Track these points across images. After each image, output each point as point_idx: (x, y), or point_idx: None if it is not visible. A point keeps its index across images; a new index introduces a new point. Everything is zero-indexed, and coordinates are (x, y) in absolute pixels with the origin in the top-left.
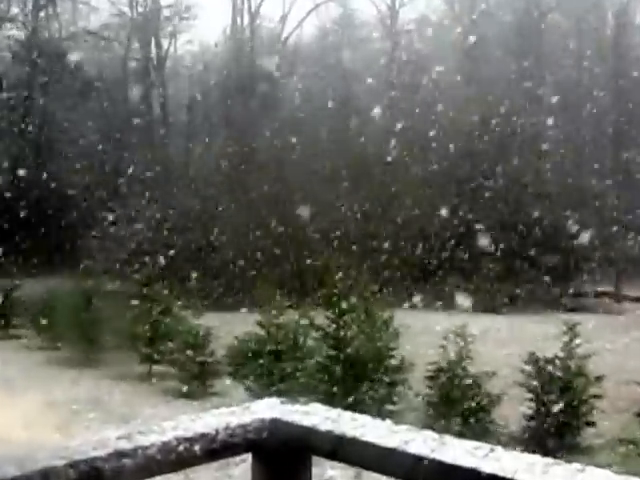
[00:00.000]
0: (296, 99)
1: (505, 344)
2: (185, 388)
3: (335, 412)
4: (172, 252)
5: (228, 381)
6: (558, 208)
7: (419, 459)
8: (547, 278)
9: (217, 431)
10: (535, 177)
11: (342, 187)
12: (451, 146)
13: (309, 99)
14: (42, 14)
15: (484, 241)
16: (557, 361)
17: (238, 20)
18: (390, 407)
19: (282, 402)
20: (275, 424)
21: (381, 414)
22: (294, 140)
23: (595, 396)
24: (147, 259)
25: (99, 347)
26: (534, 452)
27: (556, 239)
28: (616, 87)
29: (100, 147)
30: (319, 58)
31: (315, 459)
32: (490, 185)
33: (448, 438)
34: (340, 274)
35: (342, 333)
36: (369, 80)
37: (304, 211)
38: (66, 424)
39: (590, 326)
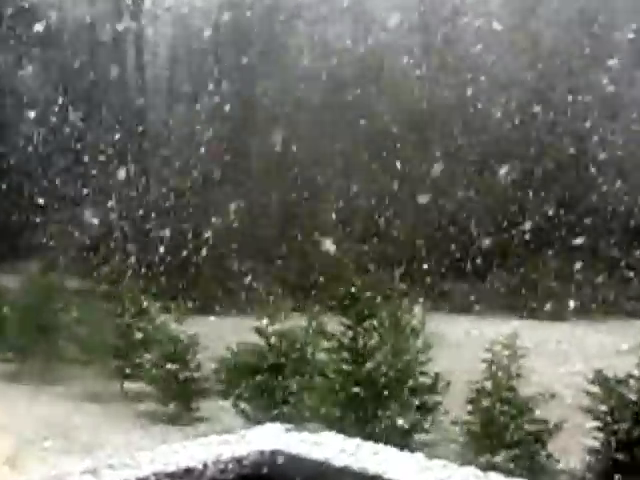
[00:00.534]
0: (303, 46)
1: (566, 359)
2: (165, 411)
3: (353, 443)
4: (149, 241)
5: (218, 402)
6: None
7: None
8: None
9: (205, 465)
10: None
11: (361, 158)
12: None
13: (320, 47)
14: None
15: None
16: (631, 381)
17: None
18: (421, 437)
19: (286, 430)
20: (277, 457)
21: (410, 446)
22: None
23: None
24: (118, 249)
25: (59, 359)
26: None
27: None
28: None
29: (59, 107)
30: None
31: None
32: (550, 156)
33: (494, 476)
34: (358, 269)
35: (361, 343)
36: (394, 21)
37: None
38: (16, 455)
39: None
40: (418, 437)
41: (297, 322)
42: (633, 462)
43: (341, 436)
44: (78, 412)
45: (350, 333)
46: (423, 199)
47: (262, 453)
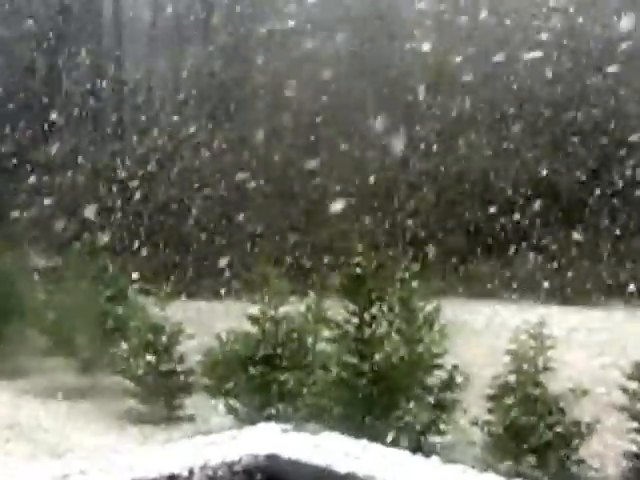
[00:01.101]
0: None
1: (600, 350)
2: (144, 408)
3: (359, 445)
4: (128, 213)
5: (205, 399)
6: None
7: None
8: None
9: (191, 471)
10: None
11: (371, 120)
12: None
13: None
14: None
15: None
16: None
17: None
18: (436, 439)
19: (283, 430)
20: (273, 462)
21: (424, 448)
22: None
23: None
24: (92, 222)
25: (23, 348)
26: None
27: None
28: None
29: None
30: None
31: None
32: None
33: None
34: (364, 247)
35: (368, 332)
36: None
37: (311, 163)
38: None
39: None
40: (432, 439)
41: (295, 307)
42: None
43: (345, 437)
44: (45, 410)
45: (355, 320)
46: (443, 175)
47: (256, 457)
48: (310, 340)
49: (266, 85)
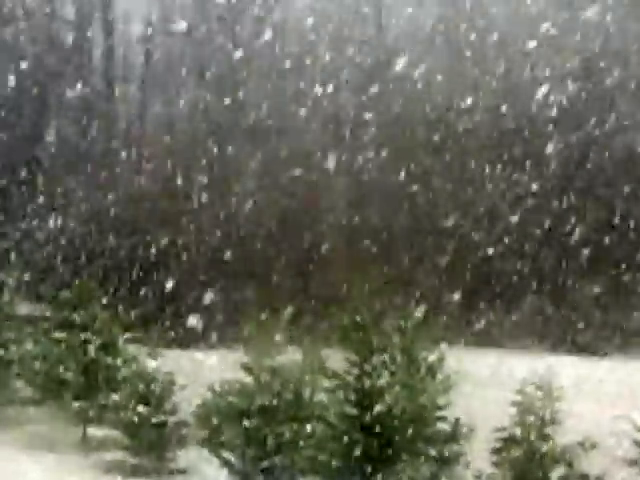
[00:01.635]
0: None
1: (609, 401)
2: (135, 461)
3: None
4: (119, 261)
5: (199, 451)
6: None
7: None
8: None
9: None
10: None
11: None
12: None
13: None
14: None
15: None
16: None
17: None
18: None
19: None
20: None
21: None
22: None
23: None
24: (80, 269)
25: (9, 399)
26: None
27: None
28: None
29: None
30: None
31: None
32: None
33: None
34: (364, 294)
35: (369, 383)
36: None
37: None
38: None
39: None
40: None
41: (292, 356)
42: None
43: None
44: (32, 462)
45: (355, 370)
46: (447, 221)
47: None
48: (308, 391)
49: (256, 129)
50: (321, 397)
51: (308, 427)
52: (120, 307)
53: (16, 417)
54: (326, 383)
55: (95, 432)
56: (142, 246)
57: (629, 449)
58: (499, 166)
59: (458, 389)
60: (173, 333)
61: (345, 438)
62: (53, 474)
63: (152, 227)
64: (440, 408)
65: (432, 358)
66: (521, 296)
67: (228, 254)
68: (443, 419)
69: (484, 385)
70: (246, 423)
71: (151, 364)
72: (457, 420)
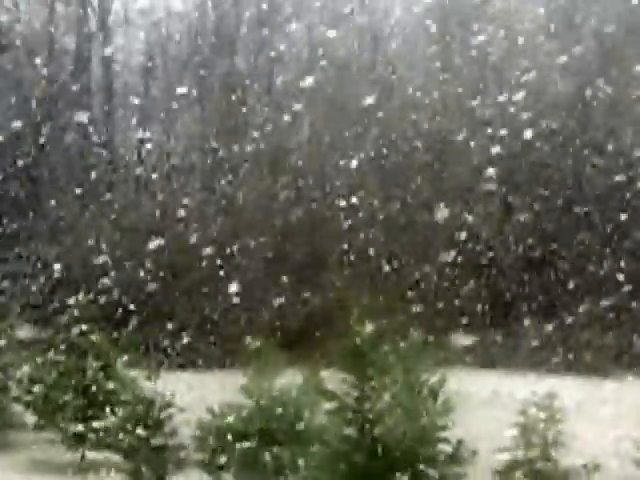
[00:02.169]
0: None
1: (613, 423)
2: None
3: None
4: (115, 283)
5: (198, 474)
6: None
7: None
8: None
9: None
10: None
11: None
12: None
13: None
14: None
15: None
16: None
17: None
18: None
19: None
20: None
21: None
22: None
23: None
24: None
25: (5, 422)
26: None
27: None
28: None
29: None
30: None
31: None
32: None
33: None
34: (364, 315)
35: (368, 405)
36: None
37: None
38: None
39: None
40: None
41: (292, 379)
42: None
43: None
44: None
45: (355, 393)
46: (446, 240)
47: None
48: (307, 413)
49: (260, 151)
50: (321, 419)
51: (307, 449)
52: (120, 331)
53: (13, 441)
54: (326, 405)
55: (94, 456)
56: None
57: (632, 471)
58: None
59: (459, 410)
60: (171, 355)
61: (345, 460)
62: None
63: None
64: (441, 429)
65: (433, 379)
66: (520, 317)
67: (227, 281)
68: (444, 441)
69: (485, 406)
70: (245, 446)
71: (149, 386)
72: (459, 442)
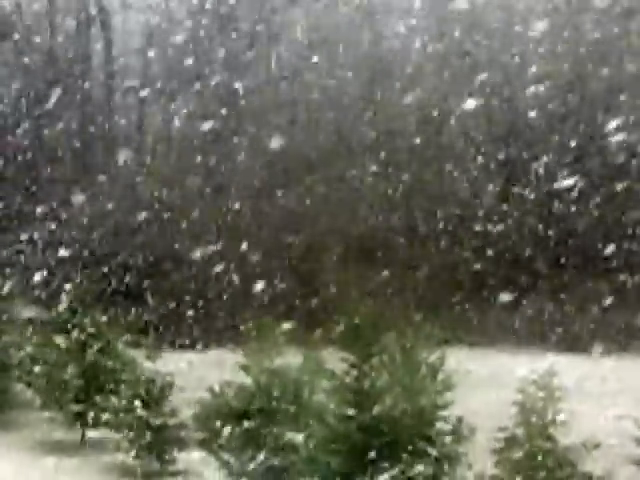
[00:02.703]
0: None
1: (613, 401)
2: (135, 464)
3: None
4: (117, 264)
5: (198, 453)
6: None
7: None
8: None
9: None
10: None
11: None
12: None
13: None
14: None
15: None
16: None
17: None
18: None
19: None
20: None
21: None
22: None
23: None
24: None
25: (7, 402)
26: None
27: None
28: None
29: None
30: None
31: None
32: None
33: None
34: (363, 296)
35: (367, 384)
36: None
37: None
38: None
39: None
40: None
41: (291, 358)
42: None
43: None
44: (31, 466)
45: (354, 372)
46: (446, 220)
47: None
48: (307, 392)
49: (260, 138)
50: (320, 398)
51: (307, 428)
52: (120, 310)
53: (16, 420)
54: (325, 384)
55: (95, 435)
56: (141, 249)
57: (632, 448)
58: (497, 165)
59: (458, 389)
60: (172, 335)
61: (344, 439)
62: (52, 476)
63: (150, 230)
64: (440, 408)
65: (432, 358)
66: (520, 296)
67: (229, 262)
68: (444, 419)
69: (484, 385)
70: (245, 425)
71: (150, 366)
72: (459, 420)
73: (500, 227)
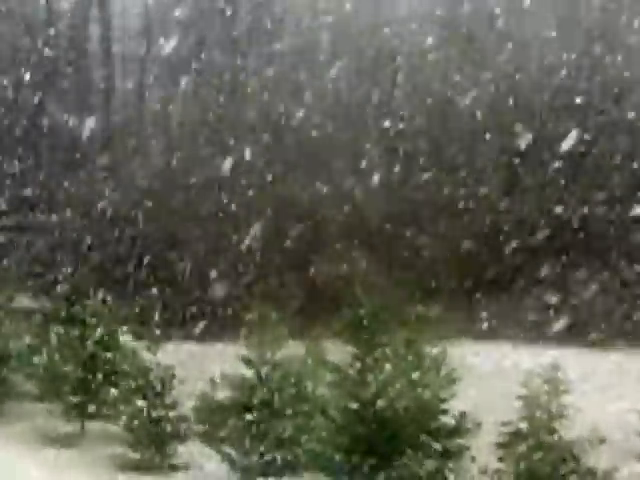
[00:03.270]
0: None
1: (617, 395)
2: (135, 456)
3: None
4: (117, 254)
5: (199, 446)
6: None
7: None
8: None
9: None
10: None
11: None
12: None
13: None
14: None
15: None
16: None
17: None
18: None
19: None
20: None
21: None
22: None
23: None
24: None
25: (6, 393)
26: None
27: None
28: None
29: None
30: None
31: None
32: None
33: None
34: (366, 288)
35: (371, 377)
36: None
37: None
38: None
39: None
40: None
41: (294, 350)
42: None
43: None
44: (30, 457)
45: (358, 364)
46: (450, 212)
47: None
48: (309, 385)
49: (260, 123)
50: (323, 391)
51: (310, 421)
52: (120, 300)
53: (14, 411)
54: (328, 377)
55: (94, 426)
56: (141, 239)
57: (637, 442)
58: (500, 158)
59: (462, 383)
60: (174, 326)
61: (347, 432)
62: (51, 468)
63: (151, 221)
64: (444, 401)
65: (435, 351)
66: (525, 288)
67: (230, 253)
68: (447, 413)
69: (488, 378)
70: (247, 417)
71: (150, 358)
72: (462, 414)
73: (505, 218)
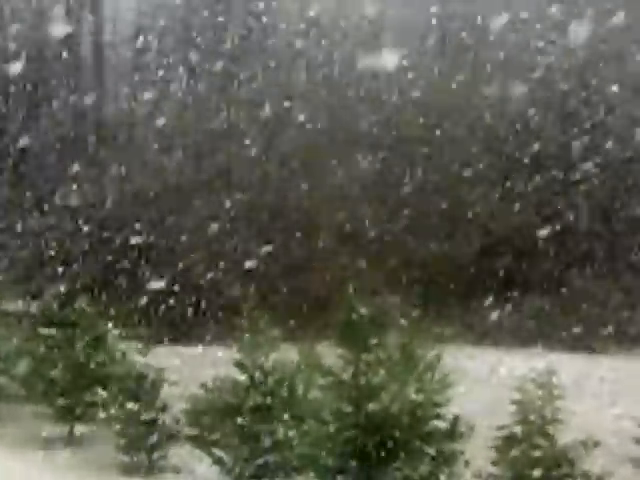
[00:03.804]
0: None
1: (613, 400)
2: (124, 460)
3: None
4: (107, 256)
5: (190, 450)
6: None
7: None
8: None
9: None
10: None
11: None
12: None
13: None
14: None
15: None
16: None
17: None
18: None
19: None
20: None
21: None
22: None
23: None
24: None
25: None
26: None
27: None
28: None
29: None
30: None
31: None
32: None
33: None
34: (360, 291)
35: (364, 380)
36: None
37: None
38: None
39: None
40: None
41: (286, 354)
42: None
43: None
44: (19, 460)
45: (351, 368)
46: (443, 217)
47: None
48: (302, 388)
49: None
50: (316, 394)
51: (302, 425)
52: (109, 303)
53: (2, 414)
54: (321, 380)
55: (83, 430)
56: (130, 242)
57: (631, 448)
58: (498, 164)
59: (456, 387)
60: (165, 329)
61: (340, 436)
62: (40, 472)
63: (141, 223)
64: (438, 406)
65: (430, 355)
66: (519, 294)
67: (221, 254)
68: (441, 417)
69: (482, 383)
70: (239, 421)
71: (141, 360)
72: (455, 418)
73: (502, 224)
